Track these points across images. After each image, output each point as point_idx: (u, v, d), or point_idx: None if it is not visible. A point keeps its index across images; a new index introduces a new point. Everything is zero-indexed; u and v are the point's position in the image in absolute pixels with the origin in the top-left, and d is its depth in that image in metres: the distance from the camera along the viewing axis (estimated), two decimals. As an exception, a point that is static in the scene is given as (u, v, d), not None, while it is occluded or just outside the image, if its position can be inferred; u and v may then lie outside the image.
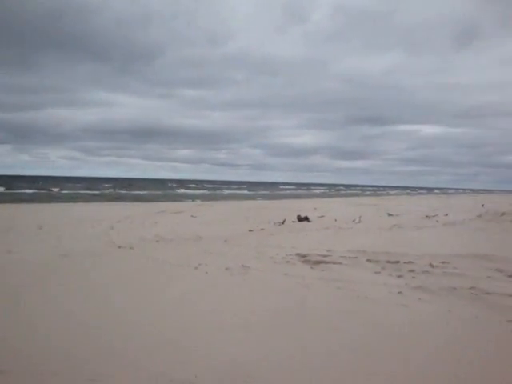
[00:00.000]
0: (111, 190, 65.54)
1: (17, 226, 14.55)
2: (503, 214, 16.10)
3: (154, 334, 4.34)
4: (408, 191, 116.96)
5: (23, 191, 54.19)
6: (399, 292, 5.83)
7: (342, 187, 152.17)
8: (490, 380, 3.39)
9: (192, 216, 20.00)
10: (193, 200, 43.42)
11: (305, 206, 28.64)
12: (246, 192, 79.34)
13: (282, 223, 15.96)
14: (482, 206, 26.87)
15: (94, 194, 52.88)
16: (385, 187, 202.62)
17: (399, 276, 6.80)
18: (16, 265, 7.80)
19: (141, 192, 64.37)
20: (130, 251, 9.45)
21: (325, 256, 8.43)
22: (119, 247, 10.03)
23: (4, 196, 42.05)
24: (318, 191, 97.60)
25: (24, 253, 9.09)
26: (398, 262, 7.79)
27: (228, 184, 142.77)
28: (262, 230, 13.95)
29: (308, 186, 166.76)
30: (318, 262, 7.90)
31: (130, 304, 5.40)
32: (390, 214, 20.52)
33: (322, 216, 19.82)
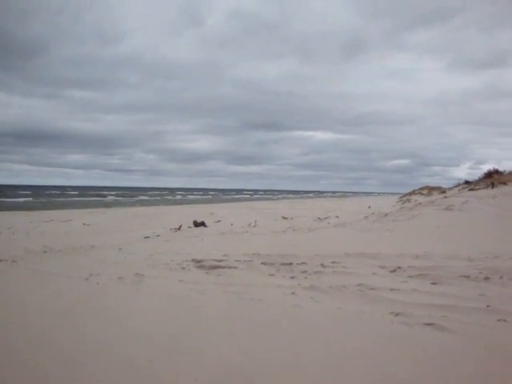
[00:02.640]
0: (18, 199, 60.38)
1: None
2: (386, 214, 17.27)
3: (31, 350, 4.04)
4: (302, 195, 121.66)
5: None
6: (292, 293, 5.99)
7: (237, 192, 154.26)
8: (371, 366, 3.60)
9: (84, 224, 19.07)
10: (85, 208, 41.39)
11: (201, 211, 28.58)
12: (141, 198, 77.44)
13: (179, 229, 15.76)
14: (369, 207, 28.70)
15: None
16: (280, 191, 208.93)
17: (292, 277, 7.00)
18: None
19: (26, 199, 60.24)
20: (12, 264, 8.74)
21: (220, 261, 8.44)
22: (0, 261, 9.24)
23: None
24: (213, 196, 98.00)
25: None
26: (291, 263, 8.01)
27: (122, 190, 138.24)
28: (157, 236, 13.65)
29: (204, 191, 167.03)
30: (214, 267, 7.88)
31: (9, 321, 4.99)
32: (284, 218, 21.13)
33: (219, 221, 19.90)
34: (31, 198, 63.27)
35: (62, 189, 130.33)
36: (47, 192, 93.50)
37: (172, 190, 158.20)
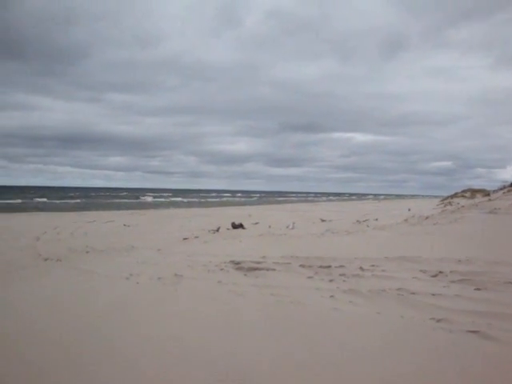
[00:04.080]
0: (44, 199, 62.56)
1: None
2: (427, 217, 16.90)
3: (73, 347, 4.15)
4: (341, 197, 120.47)
5: None
6: (331, 296, 5.93)
7: (276, 194, 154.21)
8: (412, 374, 3.51)
9: (125, 225, 19.50)
10: (126, 209, 42.31)
11: (239, 213, 28.74)
12: (180, 200, 78.48)
13: (217, 231, 15.89)
14: (409, 210, 28.14)
15: (21, 204, 50.45)
16: (318, 194, 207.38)
17: (331, 280, 6.94)
18: None
19: (71, 201, 62.11)
20: (57, 263, 9.03)
21: (259, 263, 8.46)
22: (46, 259, 9.57)
23: None
24: (252, 198, 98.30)
25: None
26: (329, 266, 7.95)
27: (162, 192, 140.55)
28: (196, 237, 13.82)
29: (242, 192, 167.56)
30: (252, 269, 7.91)
31: (53, 318, 5.15)
32: (322, 220, 21.00)
33: (257, 223, 19.96)
34: (78, 200, 65.24)
35: (104, 190, 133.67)
36: (91, 194, 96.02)
37: (211, 192, 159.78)
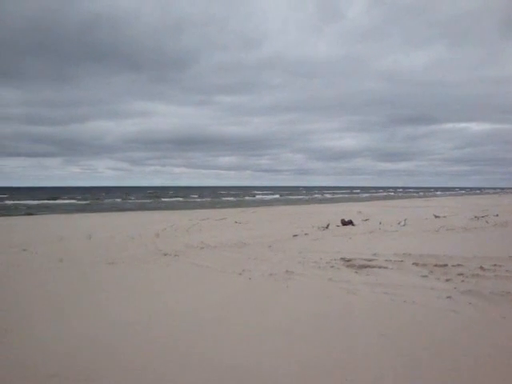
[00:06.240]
0: (178, 199, 66.92)
1: (67, 236, 15.06)
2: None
3: (184, 338, 4.39)
4: (455, 192, 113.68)
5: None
6: (448, 297, 5.66)
7: (385, 189, 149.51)
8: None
9: (236, 222, 20.12)
10: (237, 206, 43.64)
11: (349, 210, 28.32)
12: (289, 197, 79.23)
13: (326, 227, 15.81)
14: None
15: (151, 203, 54.50)
16: (431, 188, 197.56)
17: (448, 280, 6.60)
18: (67, 271, 8.09)
19: (184, 199, 65.50)
20: (175, 258, 9.60)
21: (370, 260, 8.30)
22: (165, 254, 10.20)
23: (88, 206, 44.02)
24: (361, 194, 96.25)
25: (73, 260, 9.40)
26: (445, 265, 7.57)
27: (271, 189, 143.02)
28: (306, 234, 13.86)
29: (351, 189, 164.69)
30: (363, 267, 7.78)
31: (172, 308, 5.48)
32: (436, 216, 19.99)
33: (367, 219, 19.53)
34: (198, 198, 68.94)
35: (216, 189, 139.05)
36: (205, 193, 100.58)
37: (319, 189, 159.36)
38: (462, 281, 6.51)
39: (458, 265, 7.53)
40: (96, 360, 3.92)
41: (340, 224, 16.87)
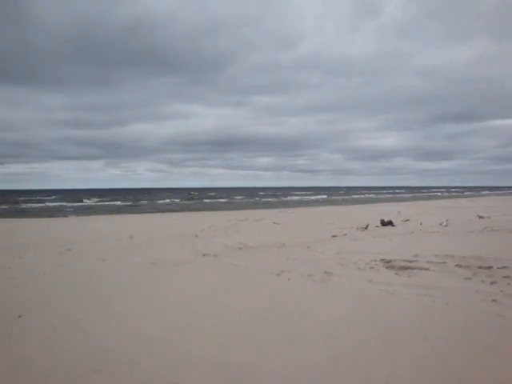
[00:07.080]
0: (218, 200, 67.77)
1: (110, 236, 15.45)
2: None
3: (225, 339, 4.43)
4: (502, 192, 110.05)
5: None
6: (493, 300, 5.49)
7: (427, 189, 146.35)
8: None
9: (274, 223, 20.13)
10: (275, 207, 43.65)
11: (388, 210, 27.88)
12: (327, 197, 78.62)
13: (366, 228, 15.62)
14: None
15: (193, 204, 55.42)
16: (474, 188, 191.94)
17: (493, 282, 6.41)
18: (107, 271, 8.31)
19: (223, 200, 66.04)
20: (214, 259, 9.69)
21: (410, 261, 8.15)
22: (204, 255, 10.31)
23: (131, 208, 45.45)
24: (401, 194, 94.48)
25: (115, 260, 9.63)
26: (490, 267, 7.35)
27: (309, 190, 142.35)
28: (344, 235, 13.73)
29: (391, 189, 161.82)
30: (404, 268, 7.65)
31: (211, 308, 5.54)
32: (480, 217, 19.41)
33: (407, 220, 19.17)
34: (241, 198, 69.60)
35: (254, 190, 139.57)
36: (243, 193, 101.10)
37: (358, 189, 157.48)
38: (509, 284, 6.30)
39: (504, 267, 7.30)
40: (141, 357, 4.01)
41: (379, 224, 16.63)
